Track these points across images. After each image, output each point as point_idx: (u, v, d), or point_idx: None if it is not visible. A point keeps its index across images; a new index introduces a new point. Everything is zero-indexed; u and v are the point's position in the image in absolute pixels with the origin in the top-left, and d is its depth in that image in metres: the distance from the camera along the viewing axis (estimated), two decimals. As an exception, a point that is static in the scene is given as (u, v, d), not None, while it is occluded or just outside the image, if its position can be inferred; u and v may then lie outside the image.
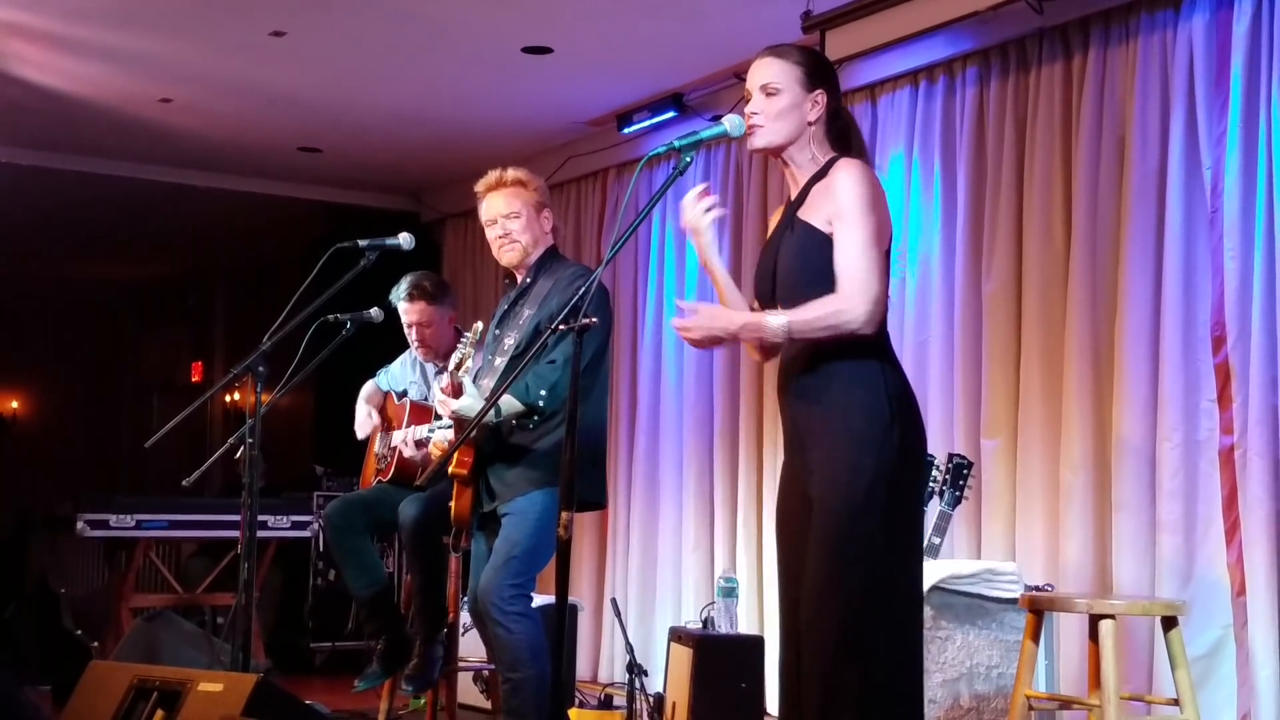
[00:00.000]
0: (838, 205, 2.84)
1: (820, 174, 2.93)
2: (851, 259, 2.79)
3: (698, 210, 2.99)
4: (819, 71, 2.96)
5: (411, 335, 4.90)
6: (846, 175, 2.86)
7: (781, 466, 3.07)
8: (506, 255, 4.09)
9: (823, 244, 2.85)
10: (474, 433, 3.84)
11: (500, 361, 3.80)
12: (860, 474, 2.77)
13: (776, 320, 2.80)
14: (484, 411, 3.46)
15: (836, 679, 2.75)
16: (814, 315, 2.79)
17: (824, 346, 2.83)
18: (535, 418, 3.82)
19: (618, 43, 5.63)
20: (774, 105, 2.93)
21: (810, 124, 2.94)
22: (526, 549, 3.83)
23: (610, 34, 5.53)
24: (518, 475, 3.89)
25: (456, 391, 3.81)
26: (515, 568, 3.83)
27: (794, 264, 2.90)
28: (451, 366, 3.83)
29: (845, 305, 2.77)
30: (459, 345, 3.86)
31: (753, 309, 3.05)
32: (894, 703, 2.79)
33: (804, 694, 2.83)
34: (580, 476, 3.88)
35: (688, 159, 2.92)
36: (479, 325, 3.85)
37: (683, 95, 6.10)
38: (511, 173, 4.11)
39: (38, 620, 6.60)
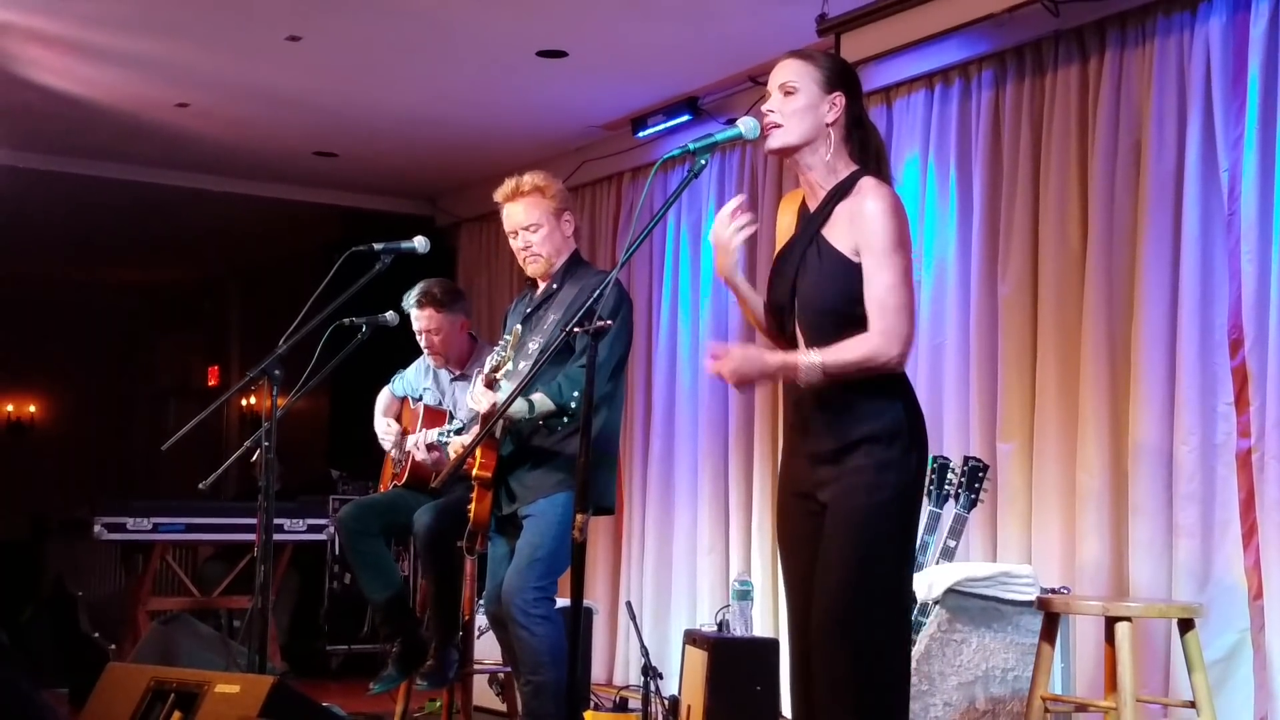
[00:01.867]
0: (867, 238, 2.83)
1: (842, 189, 2.91)
2: (885, 299, 2.80)
3: (730, 229, 2.99)
4: (839, 75, 2.95)
5: (422, 341, 4.92)
6: (876, 205, 2.84)
7: (781, 470, 3.06)
8: (530, 267, 4.09)
9: (852, 273, 2.84)
10: (495, 434, 3.85)
11: (525, 366, 3.80)
12: (882, 491, 2.80)
13: (809, 361, 2.80)
14: (503, 409, 3.46)
15: (849, 683, 2.76)
16: (849, 359, 2.80)
17: None
18: (565, 419, 3.82)
19: (632, 46, 5.63)
20: (791, 104, 2.92)
21: (827, 125, 2.93)
22: (549, 551, 3.84)
23: (625, 38, 5.53)
24: (539, 478, 3.90)
25: (491, 388, 3.81)
26: (539, 570, 3.84)
27: (820, 290, 2.88)
28: (488, 370, 3.83)
29: (881, 348, 2.79)
30: (496, 350, 3.85)
31: (766, 313, 3.06)
32: (894, 708, 2.82)
33: (815, 697, 2.84)
34: (599, 480, 3.91)
35: (702, 162, 2.92)
36: (519, 329, 3.85)
37: (697, 99, 6.10)
38: (529, 180, 4.07)
39: (55, 623, 6.63)
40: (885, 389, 2.85)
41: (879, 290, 2.80)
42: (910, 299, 2.84)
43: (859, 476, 2.81)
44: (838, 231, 2.88)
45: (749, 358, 2.89)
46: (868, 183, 2.89)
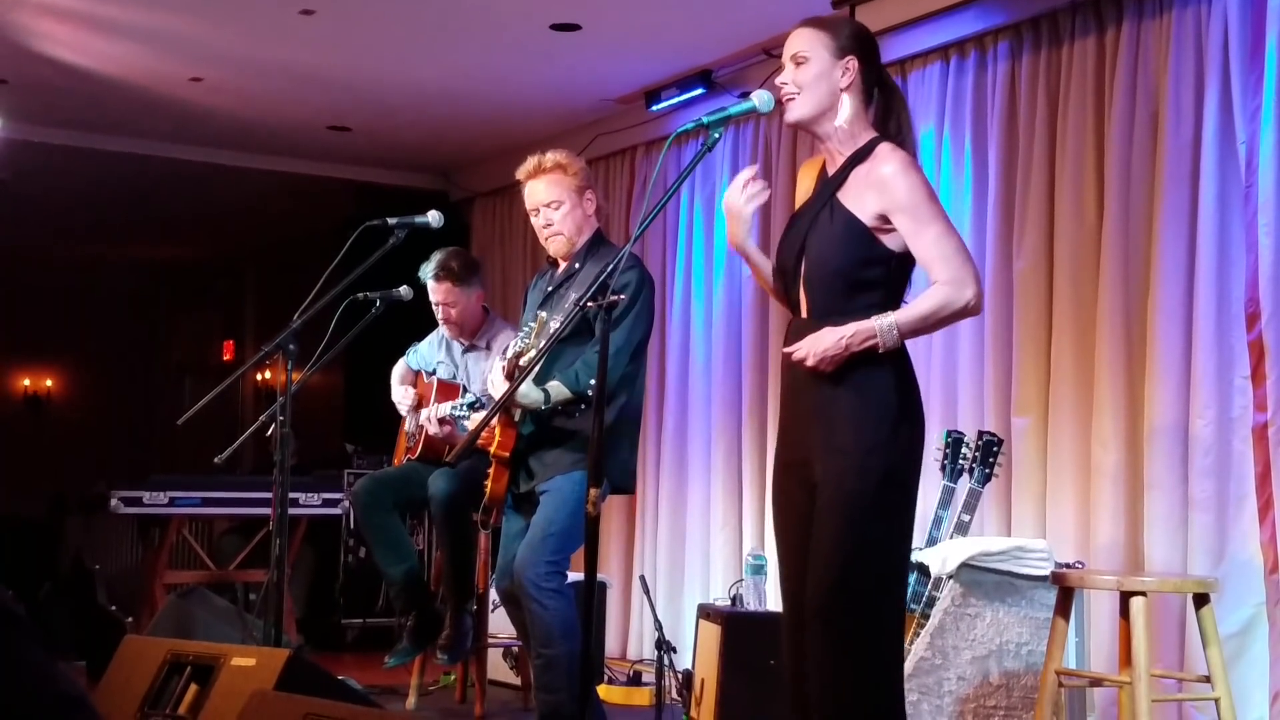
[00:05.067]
0: (896, 198, 2.81)
1: (860, 155, 2.90)
2: (941, 247, 2.79)
3: (743, 196, 2.97)
4: (850, 38, 2.92)
5: (438, 313, 4.92)
6: (894, 166, 2.83)
7: (776, 447, 3.06)
8: (552, 245, 4.07)
9: (865, 237, 2.83)
10: (514, 414, 3.85)
11: (544, 344, 3.79)
12: (871, 467, 2.78)
13: (885, 322, 2.78)
14: (510, 392, 3.45)
15: (845, 664, 2.76)
16: (926, 310, 2.80)
17: None
18: (583, 406, 3.81)
19: (646, 19, 5.61)
20: (803, 74, 2.90)
21: (842, 91, 2.90)
22: (564, 527, 3.84)
23: (639, 11, 5.51)
24: (558, 456, 3.89)
25: (513, 376, 3.80)
26: (553, 545, 3.84)
27: (830, 251, 2.87)
28: (511, 355, 3.82)
29: (953, 294, 2.78)
30: (520, 335, 3.84)
31: (775, 276, 3.05)
32: (893, 685, 2.82)
33: (810, 678, 2.83)
34: (619, 462, 3.90)
35: (716, 135, 2.91)
36: (543, 315, 3.83)
37: (711, 72, 6.08)
38: (551, 157, 4.05)
39: (73, 597, 6.67)
40: (876, 358, 2.82)
41: (931, 242, 2.80)
42: (962, 243, 2.84)
43: (847, 459, 2.79)
44: (853, 195, 2.87)
45: (818, 338, 2.83)
46: (884, 148, 2.88)
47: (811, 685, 2.82)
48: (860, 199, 2.86)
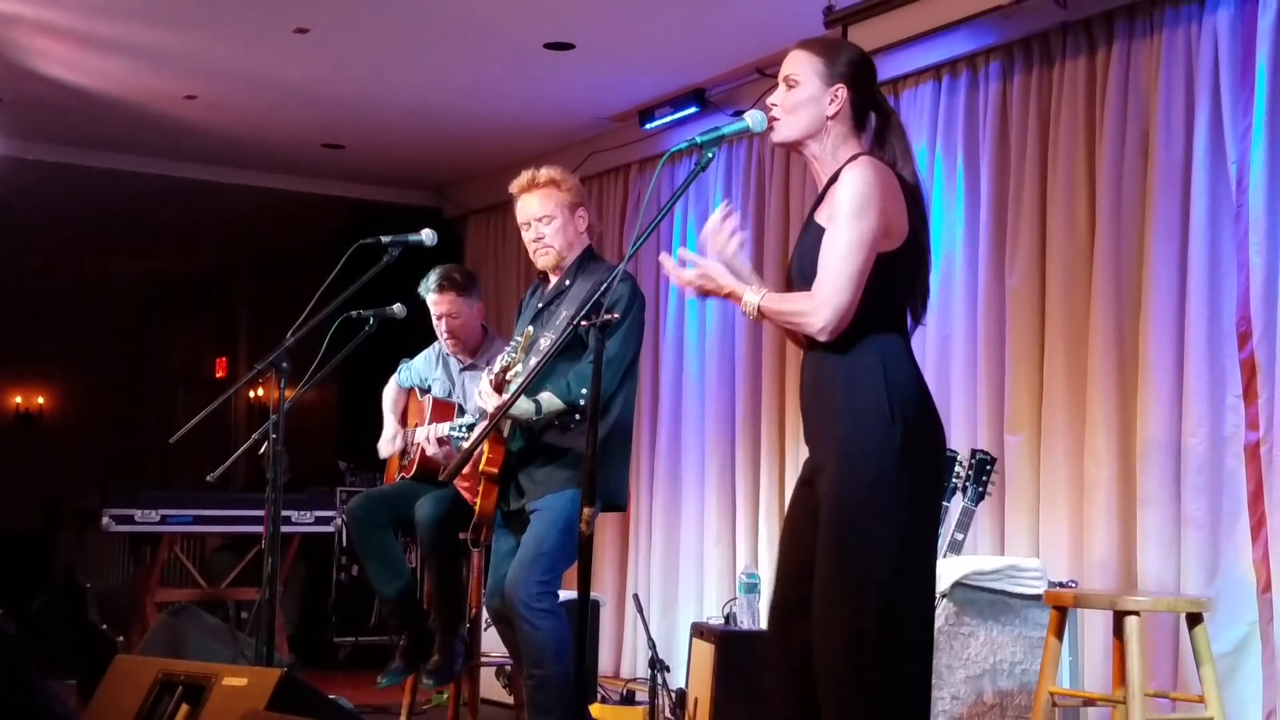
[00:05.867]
0: (834, 203, 2.83)
1: (839, 173, 2.91)
2: (829, 264, 2.77)
3: (723, 240, 2.96)
4: (844, 66, 2.92)
5: (441, 327, 4.90)
6: (848, 174, 2.83)
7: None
8: (541, 259, 4.07)
9: None
10: (503, 430, 3.85)
11: (536, 363, 3.80)
12: (858, 475, 2.74)
13: (752, 297, 2.84)
14: (505, 408, 3.45)
15: (843, 678, 2.74)
16: (784, 307, 2.84)
17: (831, 344, 2.81)
18: (576, 417, 3.81)
19: (639, 38, 5.63)
20: (792, 98, 2.92)
21: (829, 118, 2.92)
22: (555, 545, 3.83)
23: (632, 29, 5.53)
24: (548, 473, 3.89)
25: (500, 388, 3.80)
26: (544, 564, 3.83)
27: (804, 264, 2.90)
28: (498, 369, 3.81)
29: (810, 309, 2.78)
30: (507, 350, 3.84)
31: None
32: (900, 705, 2.79)
33: (814, 689, 2.82)
34: (611, 478, 3.90)
35: (710, 154, 2.92)
36: (530, 330, 3.83)
37: (705, 90, 6.09)
38: (545, 172, 4.06)
39: (65, 614, 6.65)
40: (864, 363, 2.79)
41: (825, 256, 2.79)
42: (856, 269, 2.74)
43: (834, 465, 2.78)
44: (824, 209, 2.88)
45: (715, 274, 2.91)
46: (853, 159, 2.87)
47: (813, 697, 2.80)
48: (826, 209, 2.87)
